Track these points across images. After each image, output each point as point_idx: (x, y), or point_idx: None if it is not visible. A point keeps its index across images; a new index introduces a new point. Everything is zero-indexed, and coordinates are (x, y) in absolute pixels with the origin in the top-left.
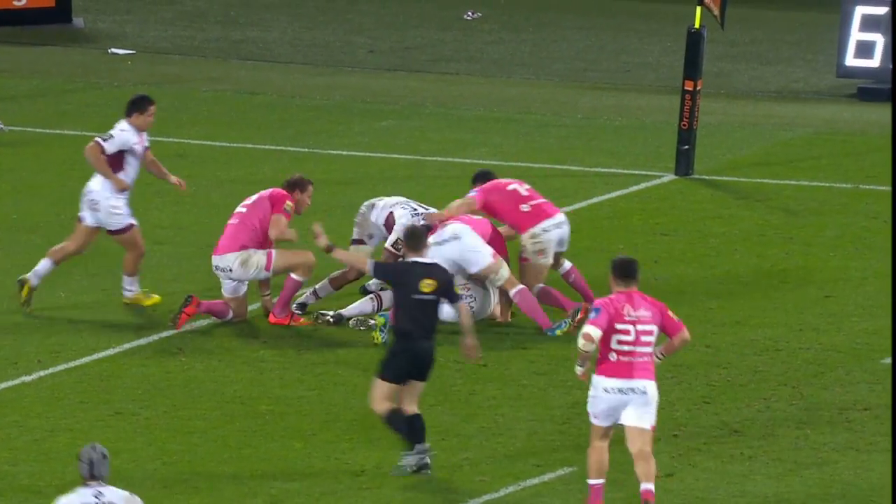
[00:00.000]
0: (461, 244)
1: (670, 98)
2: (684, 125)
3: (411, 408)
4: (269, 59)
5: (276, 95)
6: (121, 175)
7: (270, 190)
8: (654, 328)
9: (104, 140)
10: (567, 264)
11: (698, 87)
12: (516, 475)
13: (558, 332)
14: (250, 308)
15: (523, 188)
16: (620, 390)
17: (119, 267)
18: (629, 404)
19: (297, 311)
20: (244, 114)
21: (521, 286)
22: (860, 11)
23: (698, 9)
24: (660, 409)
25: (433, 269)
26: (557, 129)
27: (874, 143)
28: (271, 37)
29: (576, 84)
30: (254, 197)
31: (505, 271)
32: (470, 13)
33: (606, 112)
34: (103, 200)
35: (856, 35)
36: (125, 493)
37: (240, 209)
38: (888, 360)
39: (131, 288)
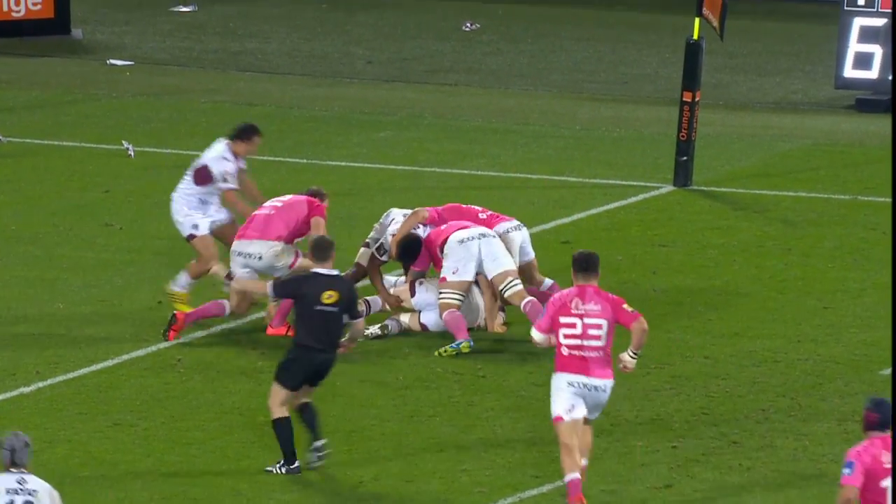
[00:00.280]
0: (494, 244)
1: (669, 109)
2: (683, 136)
3: (303, 399)
4: (267, 70)
5: (275, 106)
6: (203, 188)
7: (305, 197)
8: (604, 322)
9: (228, 181)
10: (548, 281)
11: (697, 99)
12: (515, 486)
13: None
14: (249, 318)
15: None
16: (584, 385)
17: (118, 277)
18: (588, 401)
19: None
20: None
21: (531, 298)
22: (858, 23)
23: (697, 20)
24: (658, 421)
25: (336, 282)
26: (556, 140)
27: (873, 155)
28: (270, 48)
29: (574, 95)
30: (287, 197)
31: (519, 284)
32: (468, 24)
33: (605, 123)
34: (174, 210)
35: (854, 46)
36: (48, 486)
37: (273, 203)
38: (887, 371)
39: (182, 286)
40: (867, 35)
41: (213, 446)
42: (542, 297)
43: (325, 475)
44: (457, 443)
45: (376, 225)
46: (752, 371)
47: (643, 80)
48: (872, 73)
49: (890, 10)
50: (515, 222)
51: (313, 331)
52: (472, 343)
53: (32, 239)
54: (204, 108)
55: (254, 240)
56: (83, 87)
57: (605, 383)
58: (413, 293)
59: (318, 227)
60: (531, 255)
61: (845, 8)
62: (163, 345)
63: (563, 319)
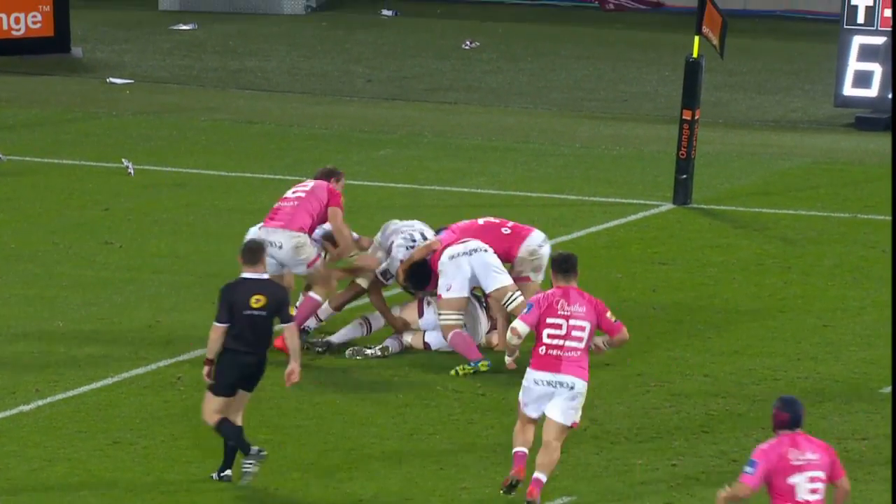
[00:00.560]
0: (486, 258)
1: (668, 127)
2: (682, 154)
3: (234, 418)
4: (267, 88)
5: (274, 124)
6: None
7: (325, 184)
8: (587, 324)
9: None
10: None
11: (696, 117)
12: None
13: None
14: None
15: (492, 217)
16: (549, 383)
17: (117, 295)
18: (555, 397)
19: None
20: (242, 143)
21: None
22: (858, 41)
23: (696, 38)
24: (658, 439)
25: (264, 285)
26: (555, 158)
27: (872, 173)
28: (269, 66)
29: (574, 113)
30: (309, 184)
31: (520, 296)
32: (468, 42)
33: (604, 141)
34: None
35: (854, 65)
36: None
37: (298, 192)
38: (887, 390)
39: (321, 318)
40: (867, 53)
41: (213, 465)
42: None
43: (325, 492)
44: (456, 461)
45: (378, 236)
46: (751, 389)
47: (643, 98)
48: (872, 92)
49: (889, 29)
50: (543, 236)
51: (241, 334)
52: (490, 363)
53: (32, 257)
54: (204, 126)
55: (278, 228)
56: (83, 105)
57: (574, 380)
58: (421, 313)
59: (335, 218)
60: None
61: (845, 26)
62: (162, 363)
63: (549, 320)
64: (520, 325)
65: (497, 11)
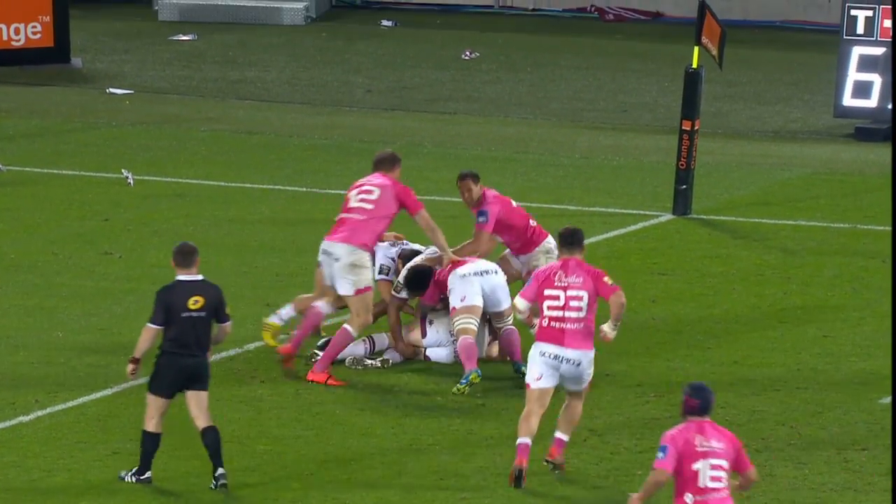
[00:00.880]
0: (496, 280)
1: (668, 138)
2: (682, 165)
3: (200, 422)
4: (266, 98)
5: (274, 135)
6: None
7: (389, 180)
8: (585, 294)
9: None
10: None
11: (696, 127)
12: None
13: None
14: (255, 345)
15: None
16: (555, 357)
17: (117, 306)
18: (565, 373)
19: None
20: (242, 153)
21: (514, 328)
22: (857, 52)
23: (696, 49)
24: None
25: (201, 287)
26: (555, 168)
27: (872, 183)
28: (269, 76)
29: (573, 124)
30: (375, 192)
31: (510, 322)
32: (468, 53)
33: (604, 152)
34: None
35: (853, 75)
36: None
37: (362, 204)
38: (886, 400)
39: (282, 317)
40: (866, 64)
41: (212, 476)
42: None
43: (324, 503)
44: (456, 471)
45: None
46: (751, 400)
47: (642, 109)
48: (871, 102)
49: (888, 40)
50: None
51: (180, 337)
52: (479, 373)
53: (32, 267)
54: (203, 137)
55: (339, 242)
56: (83, 115)
57: (580, 354)
58: (424, 333)
59: (425, 220)
60: None
61: (844, 37)
62: None
63: (547, 292)
64: (519, 301)
65: (497, 22)
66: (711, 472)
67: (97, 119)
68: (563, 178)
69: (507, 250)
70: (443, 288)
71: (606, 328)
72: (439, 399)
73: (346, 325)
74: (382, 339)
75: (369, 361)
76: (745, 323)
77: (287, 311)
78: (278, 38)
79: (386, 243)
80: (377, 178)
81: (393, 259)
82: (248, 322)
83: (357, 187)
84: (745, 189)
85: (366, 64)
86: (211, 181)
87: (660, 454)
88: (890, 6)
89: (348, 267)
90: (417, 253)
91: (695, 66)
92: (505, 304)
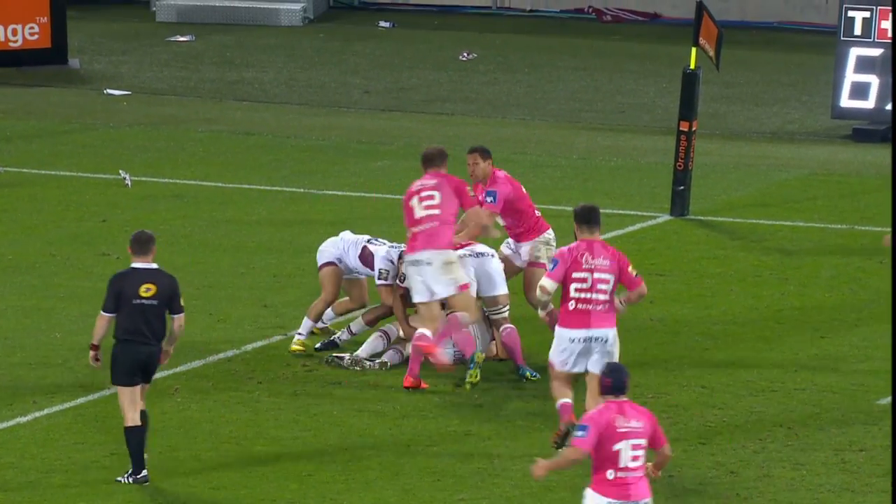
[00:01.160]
0: (491, 264)
1: (666, 139)
2: (680, 166)
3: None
4: (264, 99)
5: (272, 136)
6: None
7: (445, 177)
8: (611, 277)
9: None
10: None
11: (694, 128)
12: None
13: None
14: (253, 346)
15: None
16: (585, 340)
17: None
18: (593, 353)
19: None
20: (239, 154)
21: (512, 326)
22: (855, 53)
23: (693, 50)
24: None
25: (154, 275)
26: (553, 169)
27: (869, 184)
28: (267, 77)
29: (571, 125)
30: (436, 196)
31: (506, 311)
32: (465, 54)
33: (602, 153)
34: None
35: (850, 76)
36: None
37: (429, 212)
38: (884, 401)
39: (301, 331)
40: (864, 65)
41: (210, 476)
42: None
43: None
44: (454, 472)
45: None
46: (749, 401)
47: (640, 110)
48: (869, 103)
49: (887, 41)
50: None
51: (133, 324)
52: (481, 350)
53: (29, 268)
54: (201, 138)
55: (422, 250)
56: (80, 116)
57: (607, 333)
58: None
59: (479, 216)
60: None
61: (842, 38)
62: (160, 374)
63: (575, 274)
64: (547, 283)
65: (494, 23)
66: (632, 452)
67: (95, 120)
68: (561, 178)
69: (507, 251)
70: None
71: (617, 302)
72: (437, 400)
73: (456, 315)
74: (392, 330)
75: (368, 363)
76: (742, 324)
77: (328, 316)
78: (276, 39)
79: (385, 246)
80: (431, 179)
81: (392, 262)
82: (245, 323)
83: (416, 194)
84: (742, 190)
85: (363, 65)
86: (208, 182)
87: (580, 432)
88: (887, 7)
89: (442, 268)
90: None
91: (692, 67)
92: (500, 291)
